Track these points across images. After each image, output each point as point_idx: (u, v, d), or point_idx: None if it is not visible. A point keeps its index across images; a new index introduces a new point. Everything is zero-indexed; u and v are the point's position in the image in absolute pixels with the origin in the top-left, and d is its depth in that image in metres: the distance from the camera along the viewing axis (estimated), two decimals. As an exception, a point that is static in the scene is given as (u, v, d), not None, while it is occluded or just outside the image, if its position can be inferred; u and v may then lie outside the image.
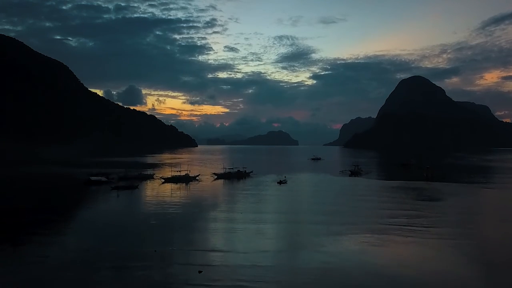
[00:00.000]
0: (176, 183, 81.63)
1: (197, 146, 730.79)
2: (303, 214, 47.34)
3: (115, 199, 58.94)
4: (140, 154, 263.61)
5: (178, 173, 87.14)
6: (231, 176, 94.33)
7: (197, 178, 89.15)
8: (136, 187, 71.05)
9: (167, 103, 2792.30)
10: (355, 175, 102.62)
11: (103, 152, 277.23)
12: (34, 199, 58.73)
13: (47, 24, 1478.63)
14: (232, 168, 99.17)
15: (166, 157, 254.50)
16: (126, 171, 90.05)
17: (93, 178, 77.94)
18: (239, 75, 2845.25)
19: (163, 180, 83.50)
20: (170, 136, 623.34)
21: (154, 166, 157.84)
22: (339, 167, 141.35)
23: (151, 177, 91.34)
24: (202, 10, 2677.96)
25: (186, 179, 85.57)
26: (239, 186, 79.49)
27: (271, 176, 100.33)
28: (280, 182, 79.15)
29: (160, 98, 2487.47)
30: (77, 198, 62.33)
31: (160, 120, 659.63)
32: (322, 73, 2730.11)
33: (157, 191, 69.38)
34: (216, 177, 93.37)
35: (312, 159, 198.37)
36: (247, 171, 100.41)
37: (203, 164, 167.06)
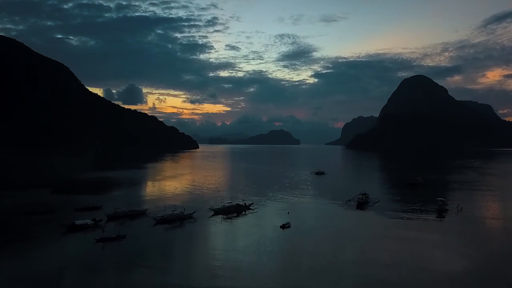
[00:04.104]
0: (170, 223, 75.87)
1: (198, 148, 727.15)
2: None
3: (96, 262, 52.31)
4: (139, 165, 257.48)
5: (172, 212, 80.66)
6: (229, 211, 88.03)
7: (192, 215, 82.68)
8: (123, 237, 64.38)
9: (168, 102, 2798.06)
10: (362, 206, 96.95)
11: (103, 161, 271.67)
12: None
13: (49, 23, 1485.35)
14: (231, 202, 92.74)
15: (166, 166, 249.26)
16: (115, 208, 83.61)
17: (77, 222, 71.31)
18: (240, 74, 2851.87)
19: (155, 221, 77.09)
20: (171, 138, 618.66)
21: (152, 183, 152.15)
22: (345, 187, 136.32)
23: (143, 213, 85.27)
24: (203, 9, 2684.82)
25: (180, 218, 79.30)
26: (238, 230, 73.08)
27: (273, 208, 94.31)
28: (283, 227, 72.59)
29: (161, 97, 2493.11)
30: (53, 256, 55.59)
31: (162, 122, 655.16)
32: (324, 72, 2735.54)
33: (146, 242, 62.95)
34: (213, 213, 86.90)
35: (316, 173, 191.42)
36: (247, 204, 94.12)
37: (204, 177, 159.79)
